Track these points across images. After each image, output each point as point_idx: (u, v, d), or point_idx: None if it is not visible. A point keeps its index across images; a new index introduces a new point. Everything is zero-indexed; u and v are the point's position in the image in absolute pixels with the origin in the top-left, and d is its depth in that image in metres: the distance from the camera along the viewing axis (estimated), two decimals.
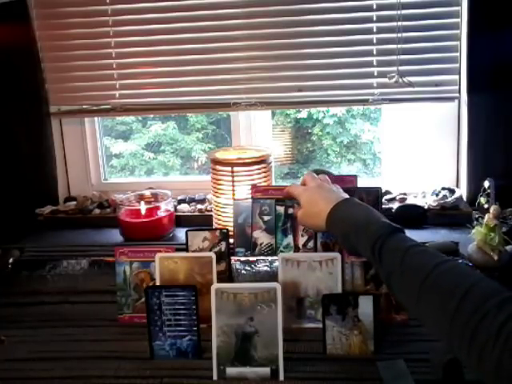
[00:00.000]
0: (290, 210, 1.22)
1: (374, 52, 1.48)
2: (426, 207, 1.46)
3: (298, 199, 1.03)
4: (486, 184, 1.27)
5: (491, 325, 0.59)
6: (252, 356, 0.90)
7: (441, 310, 0.66)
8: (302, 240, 1.22)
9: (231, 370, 0.91)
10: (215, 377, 0.91)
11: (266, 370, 0.90)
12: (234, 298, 0.91)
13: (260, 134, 1.66)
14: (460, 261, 1.17)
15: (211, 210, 1.46)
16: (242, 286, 0.94)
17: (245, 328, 0.91)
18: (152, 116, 2.50)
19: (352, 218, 0.88)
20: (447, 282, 0.68)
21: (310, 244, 1.20)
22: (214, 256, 1.07)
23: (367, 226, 0.84)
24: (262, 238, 1.25)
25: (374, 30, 1.46)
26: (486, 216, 1.21)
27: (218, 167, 1.37)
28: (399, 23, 1.42)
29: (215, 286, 0.93)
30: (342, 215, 0.91)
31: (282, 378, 0.90)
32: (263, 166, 1.36)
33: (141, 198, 1.52)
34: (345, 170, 2.68)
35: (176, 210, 1.54)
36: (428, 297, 0.69)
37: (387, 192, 1.56)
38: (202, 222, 1.49)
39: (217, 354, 0.91)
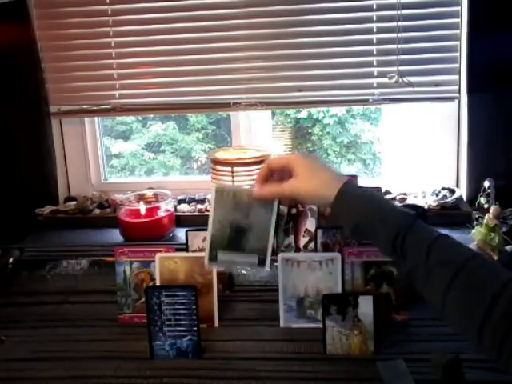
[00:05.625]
0: (294, 210, 1.22)
1: (374, 52, 1.48)
2: (425, 207, 1.46)
3: (289, 167, 0.85)
4: (486, 184, 1.27)
5: None
6: (243, 247, 0.92)
7: (470, 315, 0.64)
8: (303, 241, 1.22)
9: (222, 255, 0.91)
10: (206, 260, 0.91)
11: (255, 258, 0.91)
12: (233, 196, 0.92)
13: (260, 134, 1.66)
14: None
15: None
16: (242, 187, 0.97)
17: (240, 222, 0.92)
18: (152, 116, 2.50)
19: (362, 205, 0.78)
20: (475, 283, 0.65)
21: (311, 245, 1.20)
22: None
23: (384, 218, 0.75)
24: None
25: (374, 30, 1.46)
26: (486, 216, 1.21)
27: (218, 167, 1.37)
28: (399, 23, 1.42)
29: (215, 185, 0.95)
30: (351, 201, 0.78)
31: (267, 267, 0.91)
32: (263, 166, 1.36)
33: (141, 198, 1.52)
34: (345, 169, 2.68)
35: (176, 210, 1.54)
36: (456, 297, 0.66)
37: (387, 192, 1.56)
38: (202, 222, 1.48)
39: (211, 241, 0.91)
